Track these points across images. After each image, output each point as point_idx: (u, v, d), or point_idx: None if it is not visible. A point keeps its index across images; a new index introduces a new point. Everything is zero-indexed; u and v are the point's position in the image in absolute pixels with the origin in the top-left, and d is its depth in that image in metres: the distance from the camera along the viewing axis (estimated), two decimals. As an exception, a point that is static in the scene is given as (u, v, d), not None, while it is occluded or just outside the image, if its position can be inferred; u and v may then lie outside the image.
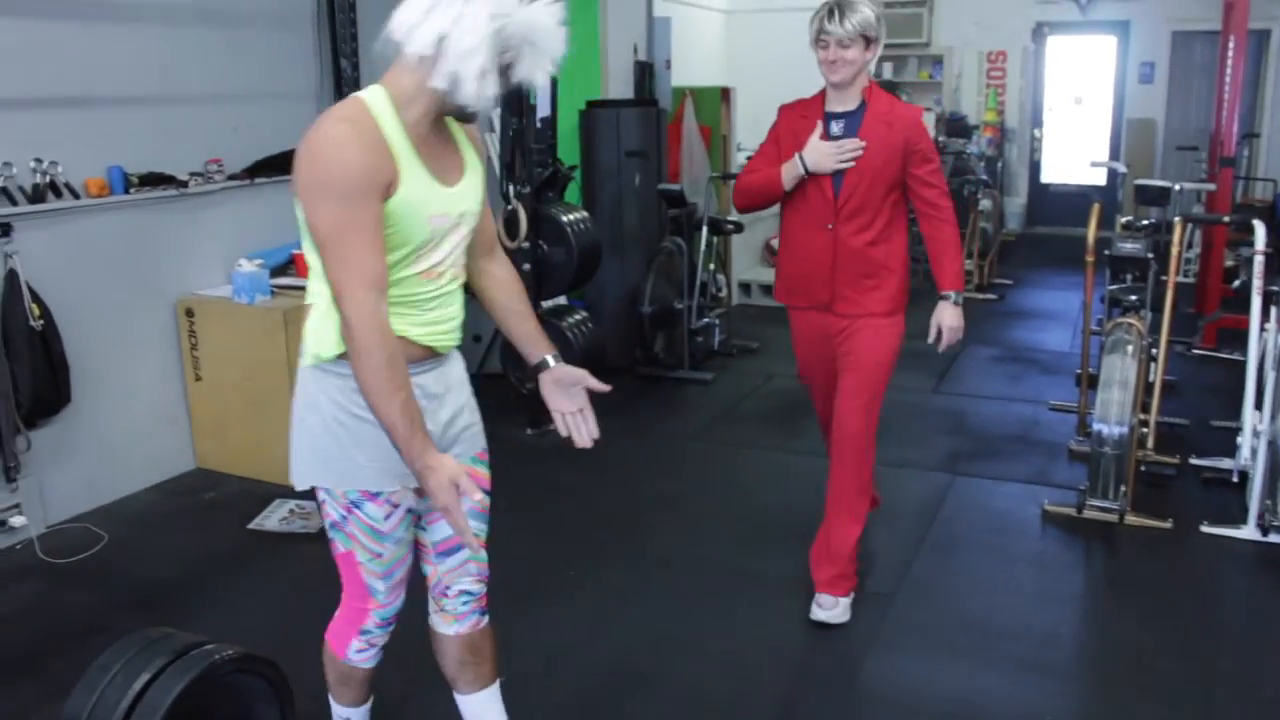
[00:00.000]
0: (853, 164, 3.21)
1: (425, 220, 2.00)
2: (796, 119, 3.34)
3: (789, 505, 4.37)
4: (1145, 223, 5.19)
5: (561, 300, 5.64)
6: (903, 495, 4.45)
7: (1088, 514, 4.10)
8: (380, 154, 1.92)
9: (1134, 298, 4.48)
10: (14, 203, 3.89)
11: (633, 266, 6.10)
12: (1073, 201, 10.93)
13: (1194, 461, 4.60)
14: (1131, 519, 4.06)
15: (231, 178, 4.73)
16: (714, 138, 7.58)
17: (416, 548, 2.29)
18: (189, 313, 4.57)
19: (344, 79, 4.99)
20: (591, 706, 2.98)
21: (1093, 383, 4.40)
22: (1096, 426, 4.03)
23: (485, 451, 2.31)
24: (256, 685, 2.47)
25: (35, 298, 3.92)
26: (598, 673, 3.15)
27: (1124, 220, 5.22)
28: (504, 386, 5.68)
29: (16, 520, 3.99)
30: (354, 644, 2.35)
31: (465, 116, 2.07)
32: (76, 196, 4.11)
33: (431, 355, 2.12)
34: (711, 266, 6.53)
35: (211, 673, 2.31)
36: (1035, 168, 11.64)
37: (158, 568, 3.83)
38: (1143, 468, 4.46)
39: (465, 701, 2.38)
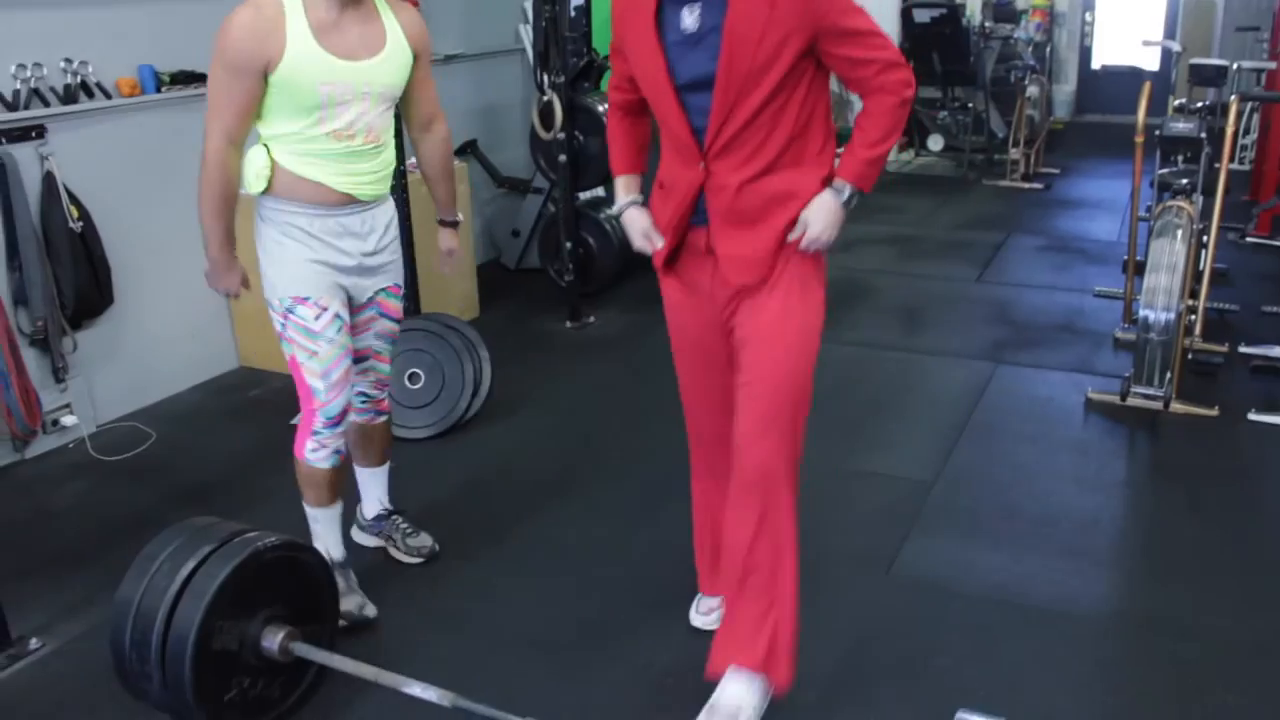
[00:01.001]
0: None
1: (315, 90, 2.50)
2: (628, 9, 2.25)
3: (826, 394, 4.35)
4: (1199, 105, 5.03)
5: (599, 191, 5.59)
6: (943, 383, 4.43)
7: (1132, 401, 4.05)
8: (267, 38, 2.44)
9: (1184, 181, 4.36)
10: (46, 104, 3.88)
11: (670, 159, 6.01)
12: (1123, 88, 10.56)
13: (1243, 350, 4.52)
14: (1177, 407, 4.01)
15: (264, 75, 4.69)
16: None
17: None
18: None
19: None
20: (640, 584, 3.02)
21: (1139, 269, 4.31)
22: (1142, 312, 3.96)
23: (399, 286, 2.90)
24: (299, 570, 2.52)
25: (73, 200, 3.94)
26: (638, 558, 3.19)
27: (1176, 102, 5.06)
28: (543, 280, 5.69)
29: (68, 420, 4.07)
30: (308, 444, 2.78)
31: None
32: (109, 97, 4.10)
33: (352, 201, 2.65)
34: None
35: (256, 558, 2.36)
36: (1085, 53, 11.29)
37: (205, 464, 3.91)
38: (1190, 355, 4.39)
39: (360, 472, 3.16)
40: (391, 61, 2.63)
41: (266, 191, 2.62)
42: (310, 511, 2.90)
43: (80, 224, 3.95)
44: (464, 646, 2.77)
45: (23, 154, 3.78)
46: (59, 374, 4.00)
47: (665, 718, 2.48)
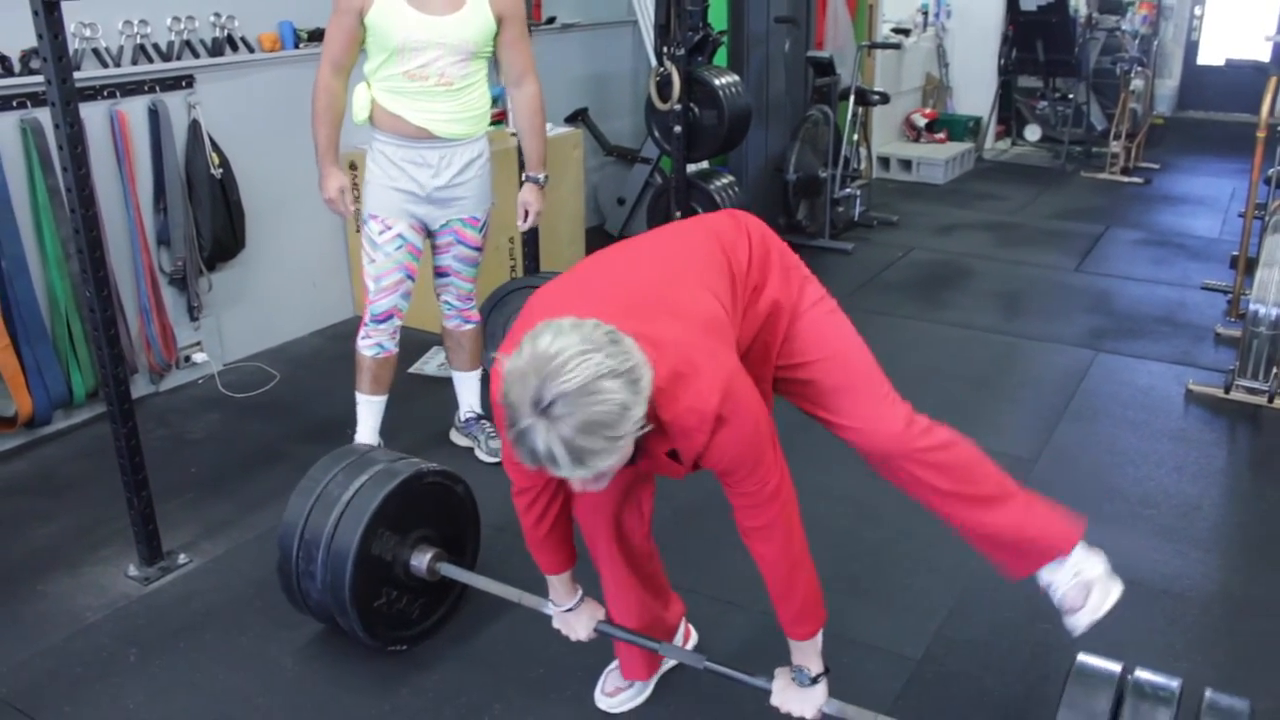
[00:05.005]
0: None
1: (394, 35, 2.99)
2: None
3: (928, 370, 4.44)
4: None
5: (706, 164, 5.69)
6: (1045, 366, 4.49)
7: (1235, 395, 4.08)
8: None
9: (1300, 178, 4.35)
10: (196, 56, 4.08)
11: (778, 134, 6.09)
12: (1228, 85, 10.41)
13: (1349, 349, 4.50)
14: (1280, 402, 4.03)
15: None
16: (860, 7, 7.43)
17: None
18: (351, 166, 4.74)
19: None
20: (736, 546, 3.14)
21: (1249, 266, 4.32)
22: (1253, 306, 3.97)
23: (476, 219, 3.33)
24: (450, 500, 2.72)
25: (215, 147, 4.14)
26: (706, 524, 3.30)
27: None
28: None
29: (199, 357, 4.29)
30: (360, 334, 3.33)
31: None
32: (251, 50, 4.29)
33: (429, 136, 3.12)
34: (855, 138, 6.48)
35: (417, 479, 2.58)
36: (1192, 48, 11.09)
37: (327, 404, 4.09)
38: (1295, 353, 4.39)
39: (455, 375, 3.70)
40: (467, 21, 3.05)
41: (371, 122, 3.15)
42: (358, 396, 3.40)
43: (220, 170, 4.14)
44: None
45: (173, 102, 3.99)
46: (194, 313, 4.22)
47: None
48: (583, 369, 1.52)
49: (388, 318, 3.29)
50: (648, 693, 2.52)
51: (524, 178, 3.44)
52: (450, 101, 3.12)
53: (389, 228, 3.21)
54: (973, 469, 2.27)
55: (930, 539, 3.19)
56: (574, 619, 2.32)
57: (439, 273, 3.44)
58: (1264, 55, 5.82)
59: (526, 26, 3.28)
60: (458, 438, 3.77)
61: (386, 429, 3.51)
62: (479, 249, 3.42)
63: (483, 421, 3.70)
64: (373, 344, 3.33)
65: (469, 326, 3.57)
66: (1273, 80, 4.41)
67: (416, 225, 3.26)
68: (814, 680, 2.06)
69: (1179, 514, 3.34)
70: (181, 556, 3.07)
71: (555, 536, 2.15)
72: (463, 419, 3.73)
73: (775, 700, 2.10)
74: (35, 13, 2.51)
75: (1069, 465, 3.64)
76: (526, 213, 3.45)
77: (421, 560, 2.57)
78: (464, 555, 2.74)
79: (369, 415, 3.43)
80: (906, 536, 3.21)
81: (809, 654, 2.06)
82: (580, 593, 2.32)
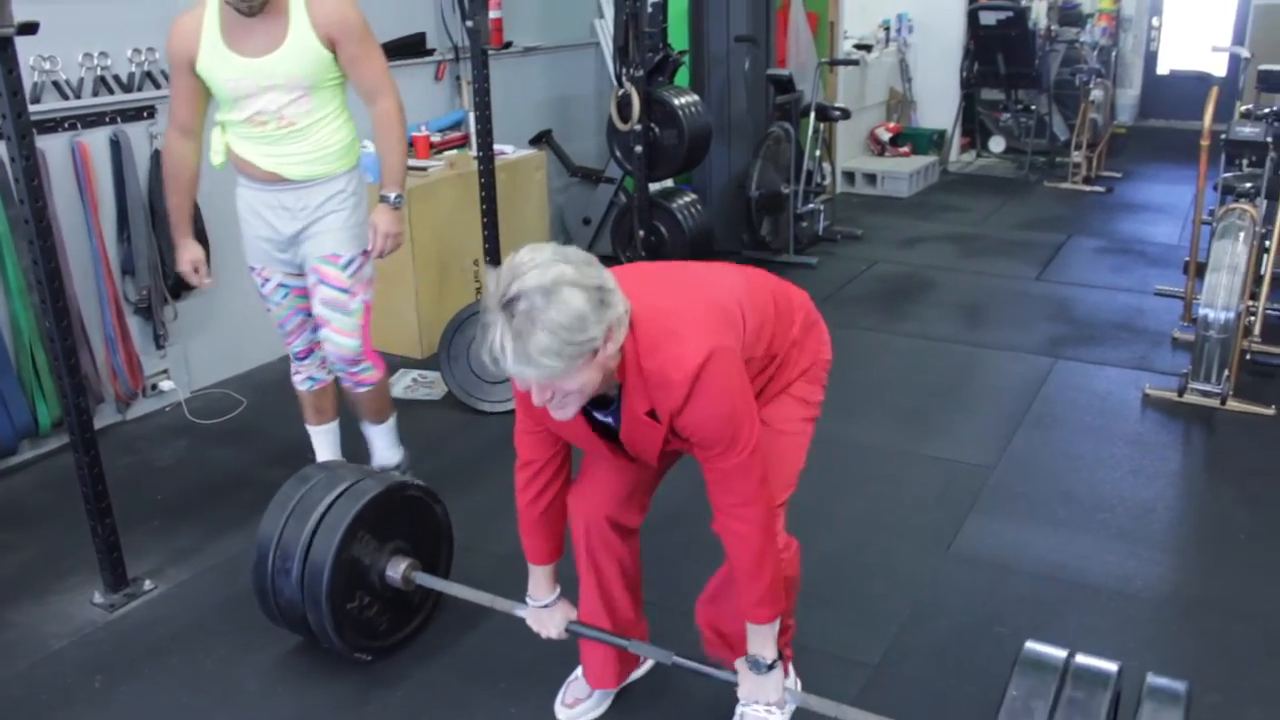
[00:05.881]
0: None
1: (222, 84, 2.88)
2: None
3: (888, 381, 4.51)
4: (1266, 110, 5.09)
5: (669, 182, 5.75)
6: (1004, 375, 4.55)
7: (1189, 398, 4.15)
8: (189, 38, 2.86)
9: (1249, 185, 4.44)
10: (157, 86, 4.10)
11: (740, 151, 6.16)
12: (1188, 94, 10.51)
13: (1302, 351, 4.59)
14: (1233, 404, 4.10)
15: (354, 62, 4.89)
16: (821, 24, 7.52)
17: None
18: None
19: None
20: (693, 558, 3.18)
21: (1200, 270, 4.40)
22: (1202, 310, 4.05)
23: (338, 255, 3.06)
24: (428, 518, 2.80)
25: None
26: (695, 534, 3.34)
27: (1243, 108, 5.12)
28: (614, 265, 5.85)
29: (166, 384, 4.31)
30: (291, 368, 3.33)
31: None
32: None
33: (280, 179, 2.97)
34: (818, 153, 6.56)
35: (400, 489, 2.69)
36: (1151, 58, 11.26)
37: (294, 429, 4.05)
38: (1248, 356, 4.47)
39: (362, 425, 3.51)
40: (291, 57, 2.86)
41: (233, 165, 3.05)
42: (308, 428, 3.44)
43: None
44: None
45: (135, 132, 4.02)
46: (159, 341, 4.24)
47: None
48: (549, 273, 1.65)
49: (309, 353, 3.28)
50: (607, 704, 2.55)
51: (379, 197, 3.10)
52: (298, 143, 2.95)
53: (267, 279, 3.16)
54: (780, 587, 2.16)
55: (885, 546, 3.26)
56: (548, 616, 2.36)
57: (315, 326, 3.20)
58: (1207, 66, 5.91)
59: (370, 39, 2.96)
60: None
61: (353, 452, 3.53)
62: (345, 290, 3.09)
63: (394, 471, 3.38)
64: (304, 378, 3.34)
65: (362, 390, 3.32)
66: (1214, 90, 4.50)
67: (291, 270, 3.14)
68: (769, 667, 2.12)
69: (1134, 516, 3.40)
70: (147, 583, 3.09)
71: (548, 520, 2.24)
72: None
73: (743, 693, 2.16)
74: (-10, 48, 2.56)
75: (1026, 471, 3.70)
76: (373, 231, 3.09)
77: (397, 569, 2.62)
78: (436, 572, 2.77)
79: (323, 444, 3.45)
80: (862, 544, 3.26)
81: (766, 640, 2.11)
82: (558, 590, 2.37)
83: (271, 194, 3.01)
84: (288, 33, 2.84)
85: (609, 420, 2.01)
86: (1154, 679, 1.93)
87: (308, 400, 3.37)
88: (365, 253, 3.12)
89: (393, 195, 3.09)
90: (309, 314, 3.17)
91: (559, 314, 1.63)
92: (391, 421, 3.51)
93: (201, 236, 4.22)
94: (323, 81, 2.93)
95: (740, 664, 2.17)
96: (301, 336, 3.24)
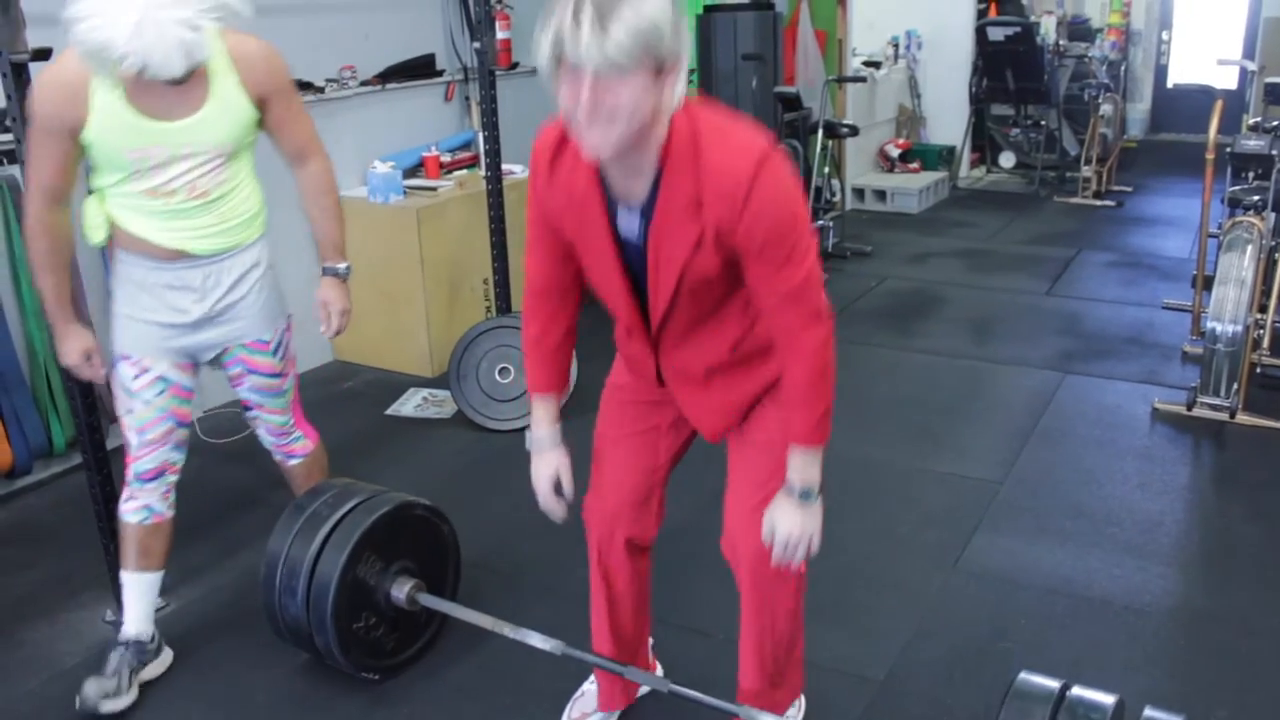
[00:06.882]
0: None
1: (124, 154, 2.38)
2: (556, 187, 1.90)
3: (897, 397, 4.52)
4: (1275, 123, 5.09)
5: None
6: (1013, 390, 4.55)
7: (1198, 411, 4.14)
8: (72, 99, 2.31)
9: (1255, 198, 4.44)
10: None
11: (747, 170, 6.18)
12: (1198, 107, 10.47)
13: (1312, 364, 4.59)
14: (1243, 418, 4.09)
15: (364, 84, 4.95)
16: (829, 42, 7.56)
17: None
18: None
19: (469, -15, 5.15)
20: (703, 573, 3.19)
21: (1208, 284, 4.40)
22: (1210, 324, 4.05)
23: (264, 342, 2.70)
24: (435, 538, 2.82)
25: (190, 197, 4.20)
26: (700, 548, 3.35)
27: (1251, 120, 5.13)
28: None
29: (178, 403, 4.31)
30: (124, 494, 2.70)
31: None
32: (225, 102, 4.37)
33: (185, 256, 2.51)
34: (826, 170, 6.58)
35: (407, 509, 2.71)
36: (1161, 72, 11.27)
37: (306, 448, 4.14)
38: (1258, 369, 4.46)
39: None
40: (215, 121, 2.43)
41: (110, 241, 2.54)
42: (123, 574, 2.75)
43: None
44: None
45: None
46: (172, 361, 4.24)
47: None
48: None
49: (158, 475, 2.67)
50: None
51: (321, 270, 2.79)
52: (207, 215, 2.50)
53: (146, 370, 2.58)
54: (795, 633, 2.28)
55: (893, 562, 3.26)
56: (540, 462, 2.24)
57: (244, 405, 2.85)
58: (1217, 79, 5.93)
59: (298, 94, 2.66)
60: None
61: (366, 474, 3.55)
62: (279, 375, 2.78)
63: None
64: (139, 507, 2.68)
65: (294, 461, 2.95)
66: (1218, 103, 4.51)
67: (183, 363, 2.65)
68: (804, 494, 2.00)
69: (1142, 530, 3.40)
70: (158, 600, 3.11)
71: (553, 352, 2.19)
72: None
73: (787, 528, 2.01)
74: (3, 74, 2.59)
75: (1035, 485, 3.70)
76: (324, 308, 2.80)
77: (403, 590, 2.64)
78: (442, 593, 2.79)
79: (138, 599, 2.75)
80: (870, 560, 3.26)
81: (817, 465, 2.01)
82: (558, 427, 2.25)
83: (173, 272, 2.52)
84: (209, 92, 2.41)
85: (633, 229, 1.86)
86: (1152, 712, 1.90)
87: (135, 537, 2.69)
88: (288, 326, 2.80)
89: (342, 266, 2.79)
90: (180, 421, 2.68)
91: (643, 9, 1.56)
92: None
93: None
94: (243, 146, 2.54)
95: (783, 498, 2.02)
96: (161, 450, 2.65)
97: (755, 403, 2.10)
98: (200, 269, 2.54)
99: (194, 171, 2.45)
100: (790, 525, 2.01)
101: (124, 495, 2.69)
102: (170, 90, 2.31)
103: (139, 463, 2.64)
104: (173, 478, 2.71)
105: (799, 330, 1.87)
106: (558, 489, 2.23)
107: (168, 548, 2.76)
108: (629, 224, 1.86)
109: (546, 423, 2.24)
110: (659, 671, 2.66)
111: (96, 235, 2.52)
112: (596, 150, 1.67)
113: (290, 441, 2.91)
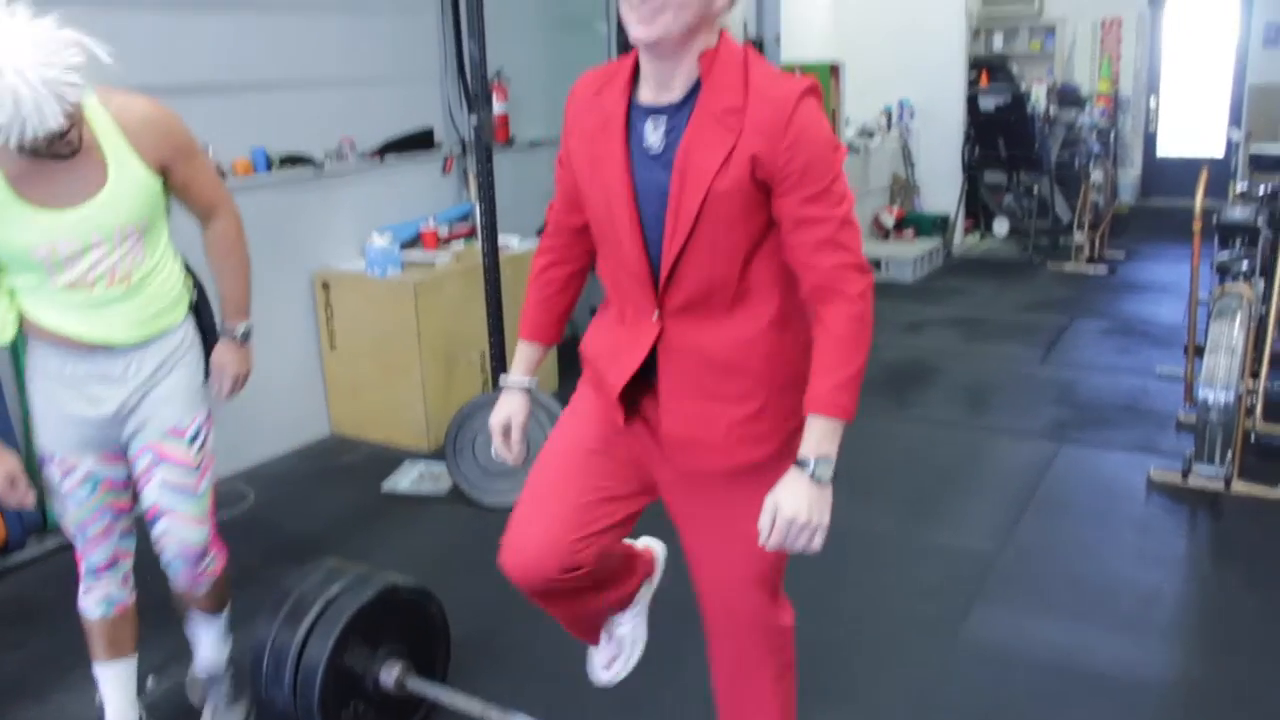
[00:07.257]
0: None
1: (21, 249, 2.18)
2: (588, 113, 1.90)
3: (893, 467, 4.52)
4: (1260, 191, 5.15)
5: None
6: (1008, 461, 4.55)
7: (1193, 481, 4.14)
8: None
9: (1243, 265, 4.48)
10: (169, 184, 4.18)
11: (741, 240, 6.23)
12: (1189, 173, 10.60)
13: (1306, 431, 4.59)
14: (1238, 487, 4.09)
15: (363, 157, 5.01)
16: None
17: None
18: (325, 285, 4.86)
19: (469, 60, 5.21)
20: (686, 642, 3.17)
21: (1200, 351, 4.42)
22: (1202, 393, 4.07)
23: (179, 429, 2.46)
24: (424, 619, 2.79)
25: (189, 271, 4.23)
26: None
27: (1237, 189, 5.19)
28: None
29: (173, 477, 4.30)
30: (81, 588, 2.56)
31: (52, 150, 2.07)
32: (224, 176, 4.42)
33: (106, 347, 2.33)
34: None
35: (392, 592, 2.67)
36: (1150, 139, 11.40)
37: (301, 524, 4.13)
38: (1252, 437, 4.47)
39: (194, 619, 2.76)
40: (118, 200, 2.24)
41: (21, 334, 2.35)
42: (95, 669, 2.65)
43: (194, 293, 4.22)
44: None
45: (146, 230, 4.08)
46: (168, 435, 4.23)
47: None
48: None
49: (111, 565, 2.54)
50: (638, 651, 2.44)
51: (222, 329, 2.64)
52: (132, 300, 2.34)
53: (72, 469, 2.42)
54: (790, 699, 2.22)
55: (890, 635, 3.24)
56: (518, 401, 2.21)
57: (149, 518, 2.50)
58: (1205, 148, 6.00)
59: (200, 151, 2.46)
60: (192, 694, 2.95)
61: (359, 551, 3.54)
62: (196, 468, 2.49)
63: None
64: (100, 599, 2.55)
65: (203, 585, 2.61)
66: (1203, 173, 4.57)
67: (111, 453, 2.45)
68: (815, 472, 1.80)
69: (1140, 603, 3.38)
70: (150, 681, 3.08)
71: (554, 287, 2.19)
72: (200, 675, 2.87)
73: (790, 507, 1.78)
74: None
75: (1031, 558, 3.69)
76: (220, 373, 2.61)
77: (390, 674, 2.62)
78: (432, 674, 2.77)
79: (116, 689, 2.65)
80: (867, 633, 3.24)
81: (836, 440, 1.83)
82: (531, 380, 2.23)
83: (93, 364, 2.34)
84: (107, 169, 2.21)
85: (659, 140, 1.81)
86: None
87: (100, 630, 2.58)
88: (209, 417, 2.55)
89: (240, 328, 2.61)
90: (119, 512, 2.52)
91: None
92: (228, 609, 2.79)
93: (211, 333, 4.30)
94: (156, 218, 2.36)
95: (794, 475, 1.80)
96: (106, 544, 2.51)
97: (734, 450, 1.93)
98: (121, 359, 2.37)
99: (111, 257, 2.26)
100: (798, 506, 1.78)
101: (81, 588, 2.55)
102: (59, 171, 2.14)
103: (90, 558, 2.52)
104: (128, 563, 2.58)
105: (837, 278, 1.77)
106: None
107: (135, 631, 2.65)
108: (656, 136, 1.81)
109: (522, 369, 2.23)
110: (657, 552, 2.51)
111: (5, 334, 2.31)
112: (645, 32, 1.71)
113: (204, 565, 2.56)
